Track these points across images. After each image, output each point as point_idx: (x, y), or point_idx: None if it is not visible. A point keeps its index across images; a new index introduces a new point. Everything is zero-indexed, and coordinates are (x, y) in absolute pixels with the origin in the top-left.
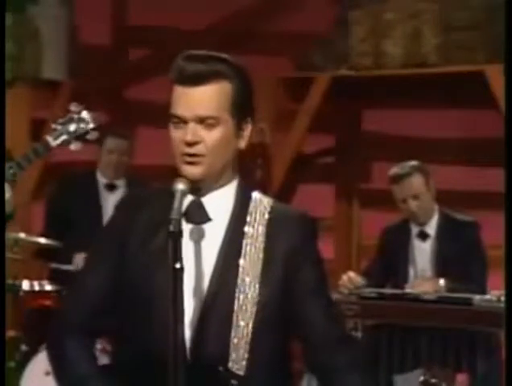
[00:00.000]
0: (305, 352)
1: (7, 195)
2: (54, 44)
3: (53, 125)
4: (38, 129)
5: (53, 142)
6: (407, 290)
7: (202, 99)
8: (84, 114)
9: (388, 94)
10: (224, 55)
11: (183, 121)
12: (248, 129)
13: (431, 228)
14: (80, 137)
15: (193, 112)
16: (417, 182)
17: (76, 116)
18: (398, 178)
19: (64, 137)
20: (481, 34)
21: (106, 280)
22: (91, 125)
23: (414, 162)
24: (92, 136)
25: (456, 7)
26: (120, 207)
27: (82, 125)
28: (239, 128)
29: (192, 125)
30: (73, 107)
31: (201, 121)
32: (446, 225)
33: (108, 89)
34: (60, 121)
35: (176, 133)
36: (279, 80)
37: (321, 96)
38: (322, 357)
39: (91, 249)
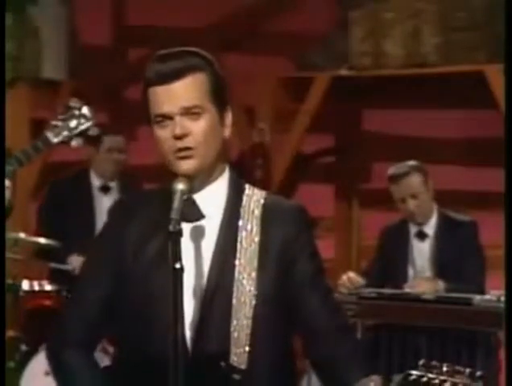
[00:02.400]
0: (306, 344)
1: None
2: (54, 44)
3: (53, 122)
4: (38, 129)
5: (54, 139)
6: (407, 290)
7: (183, 91)
8: (85, 110)
9: (388, 94)
10: (194, 49)
11: (169, 118)
12: (229, 118)
13: (430, 228)
14: (81, 133)
15: (178, 105)
16: (415, 181)
17: (77, 112)
18: (396, 178)
19: (65, 134)
20: (480, 34)
21: (106, 291)
22: (92, 121)
23: (412, 162)
24: (93, 132)
25: (456, 7)
26: (113, 215)
27: (83, 121)
28: (221, 116)
29: (178, 119)
30: (73, 103)
31: (187, 112)
32: (444, 225)
33: (108, 89)
34: (61, 117)
35: (163, 133)
36: (279, 80)
37: (321, 96)
38: (323, 347)
39: (87, 260)
